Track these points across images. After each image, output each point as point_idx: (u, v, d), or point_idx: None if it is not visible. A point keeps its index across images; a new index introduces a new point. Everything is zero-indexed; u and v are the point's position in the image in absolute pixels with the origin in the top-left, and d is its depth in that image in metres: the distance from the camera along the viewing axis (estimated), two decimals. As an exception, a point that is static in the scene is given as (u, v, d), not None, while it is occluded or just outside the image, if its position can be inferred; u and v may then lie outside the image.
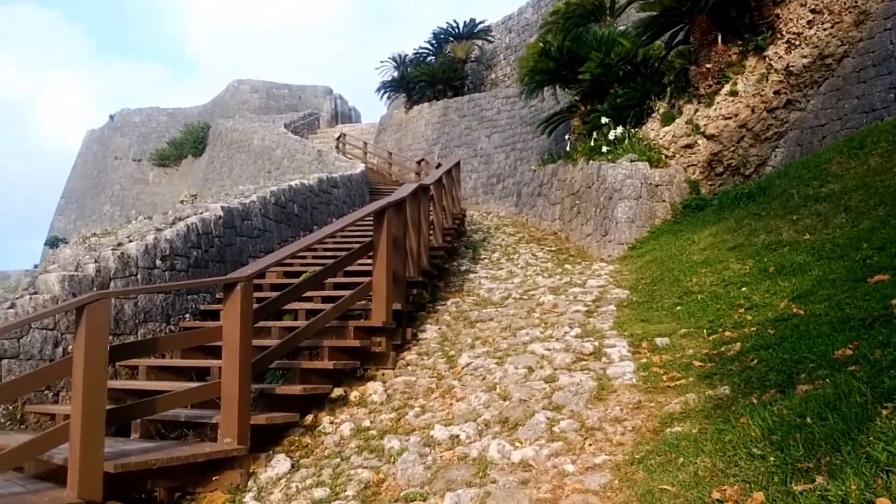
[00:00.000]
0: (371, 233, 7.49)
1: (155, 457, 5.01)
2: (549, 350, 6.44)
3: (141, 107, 44.51)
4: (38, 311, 6.82)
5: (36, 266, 36.82)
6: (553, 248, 12.65)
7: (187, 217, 8.78)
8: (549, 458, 4.54)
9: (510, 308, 8.24)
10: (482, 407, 5.58)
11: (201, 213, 8.99)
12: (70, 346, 7.00)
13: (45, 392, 6.96)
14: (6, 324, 6.55)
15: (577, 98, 15.36)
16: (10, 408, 6.67)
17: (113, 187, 42.38)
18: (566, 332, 6.87)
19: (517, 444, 4.84)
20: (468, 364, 6.57)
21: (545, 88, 16.59)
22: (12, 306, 6.88)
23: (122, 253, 7.61)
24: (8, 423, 6.72)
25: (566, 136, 16.00)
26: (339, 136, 27.14)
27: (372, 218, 7.15)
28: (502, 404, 5.51)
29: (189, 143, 38.56)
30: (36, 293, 7.06)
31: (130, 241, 7.91)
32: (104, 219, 40.38)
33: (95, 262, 7.45)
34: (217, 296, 8.81)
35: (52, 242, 38.10)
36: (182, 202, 33.64)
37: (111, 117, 45.06)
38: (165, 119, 43.10)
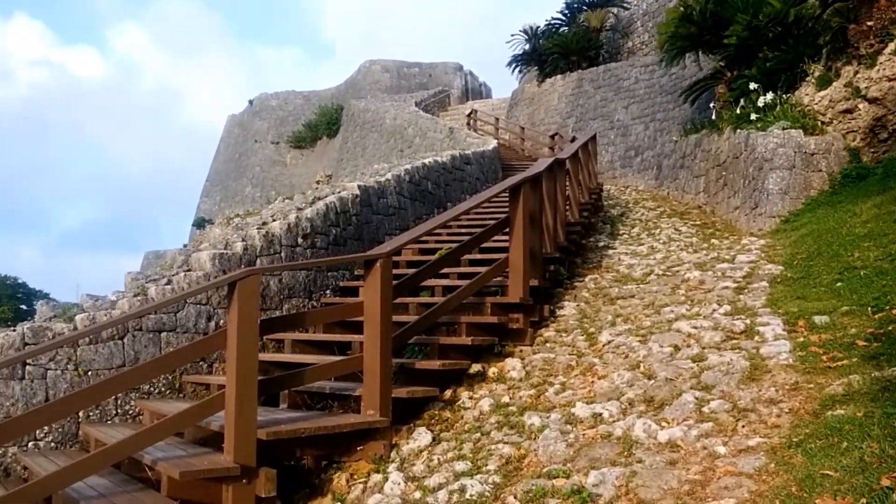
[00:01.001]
0: (506, 209, 7.42)
1: (304, 426, 5.19)
2: (695, 328, 6.17)
3: (278, 91, 46.21)
4: (193, 286, 7.20)
5: (185, 245, 39.13)
6: (697, 223, 12.15)
7: (326, 196, 9.01)
8: (698, 439, 4.36)
9: (653, 285, 7.98)
10: (625, 385, 5.43)
11: (339, 192, 9.21)
12: (221, 321, 7.36)
13: (200, 363, 7.36)
14: (165, 299, 6.96)
15: (721, 64, 14.63)
16: (170, 377, 7.09)
17: (253, 169, 44.30)
18: (714, 310, 6.57)
19: (664, 423, 4.67)
20: (609, 342, 6.41)
21: (687, 55, 15.90)
22: (168, 282, 7.29)
23: (266, 232, 7.90)
24: (168, 392, 7.15)
25: (710, 105, 15.28)
26: (470, 113, 27.16)
27: (508, 194, 7.07)
28: (647, 383, 5.34)
29: (323, 124, 39.74)
30: (190, 270, 7.45)
31: (274, 221, 8.20)
32: (246, 200, 42.37)
33: (243, 240, 7.77)
34: (356, 272, 9.02)
35: (199, 223, 40.39)
36: (317, 183, 34.79)
37: (250, 102, 47.04)
38: (301, 102, 44.56)
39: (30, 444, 6.49)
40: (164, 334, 7.10)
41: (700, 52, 15.53)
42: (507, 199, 7.31)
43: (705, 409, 4.70)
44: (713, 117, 14.36)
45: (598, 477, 4.18)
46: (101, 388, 5.02)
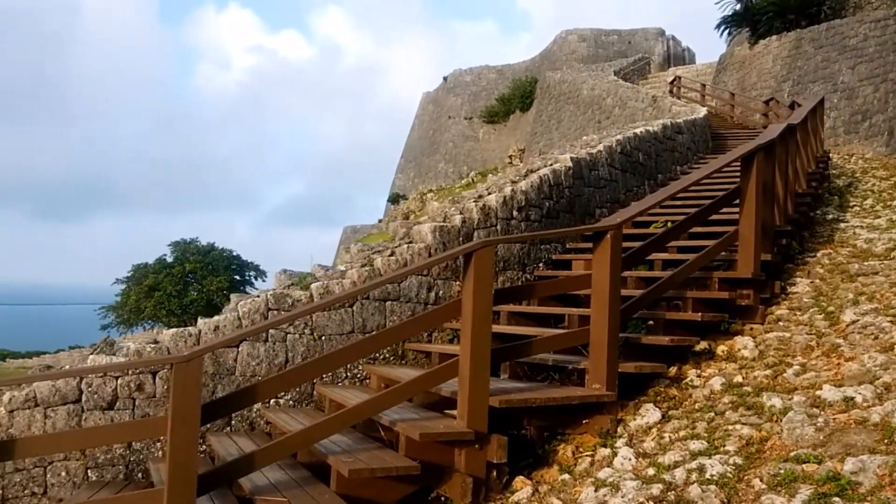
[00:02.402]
0: (730, 179, 7.06)
1: (533, 396, 5.25)
2: (957, 309, 5.58)
3: (472, 66, 46.80)
4: (414, 258, 7.47)
5: (379, 220, 40.62)
6: (940, 193, 10.97)
7: (539, 169, 9.01)
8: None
9: (897, 261, 7.29)
10: (878, 369, 5.01)
11: (551, 164, 9.17)
12: (440, 291, 7.59)
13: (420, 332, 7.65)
14: (392, 270, 7.28)
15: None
16: (395, 345, 7.42)
17: (446, 145, 45.26)
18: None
19: (930, 411, 4.26)
20: (854, 322, 5.93)
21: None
22: (392, 254, 7.61)
23: (483, 205, 8.03)
24: (392, 358, 7.50)
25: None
26: (673, 80, 26.05)
27: (739, 163, 6.70)
28: (905, 367, 4.89)
29: (517, 98, 39.78)
30: (412, 242, 7.74)
31: (490, 194, 8.31)
32: (439, 176, 43.46)
33: (461, 213, 7.95)
34: (567, 246, 8.97)
35: (394, 199, 41.96)
36: (510, 157, 34.95)
37: (444, 79, 48.00)
38: (494, 76, 44.86)
39: (272, 402, 7.06)
40: (388, 303, 7.44)
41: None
42: (733, 169, 6.95)
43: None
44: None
45: (857, 464, 3.90)
46: (345, 353, 5.34)
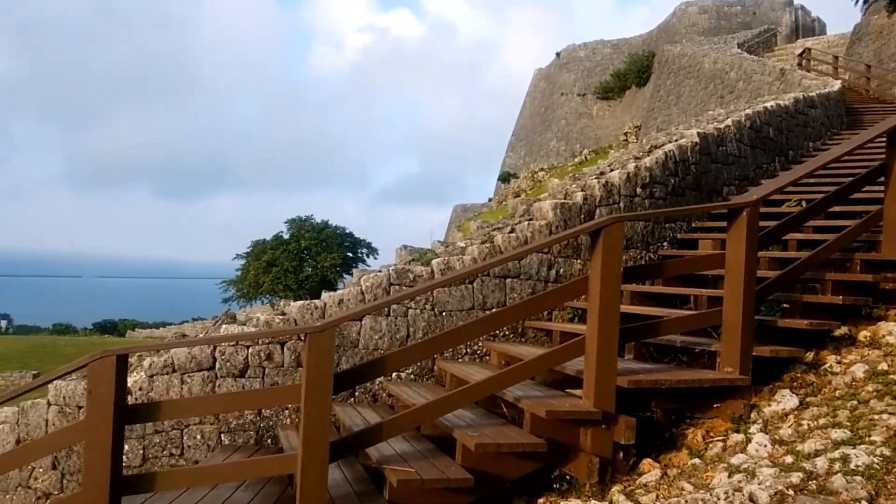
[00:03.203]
0: (868, 157, 6.61)
1: (663, 377, 5.12)
2: None
3: (586, 41, 45.88)
4: (535, 235, 7.40)
5: (490, 199, 40.54)
6: None
7: (663, 145, 8.73)
8: None
9: None
10: None
11: (677, 139, 8.87)
12: (561, 269, 7.50)
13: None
14: (512, 247, 7.24)
15: None
16: (515, 322, 7.39)
17: (558, 123, 44.65)
18: None
19: None
20: None
21: None
22: (512, 231, 7.57)
23: (605, 181, 7.86)
24: (511, 335, 7.48)
25: None
26: (802, 52, 24.67)
27: (885, 138, 6.26)
28: None
29: (633, 73, 38.76)
30: (532, 219, 7.67)
31: (612, 171, 8.13)
32: (550, 154, 42.98)
33: (582, 190, 7.82)
34: (693, 224, 8.68)
35: (504, 177, 41.81)
36: (625, 134, 34.14)
37: (557, 55, 47.29)
38: (609, 51, 43.85)
39: (393, 375, 7.19)
40: (508, 280, 7.42)
41: None
42: (874, 146, 6.51)
43: None
44: None
45: None
46: (469, 329, 5.35)
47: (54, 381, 6.86)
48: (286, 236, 38.21)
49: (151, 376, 6.96)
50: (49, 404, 7.27)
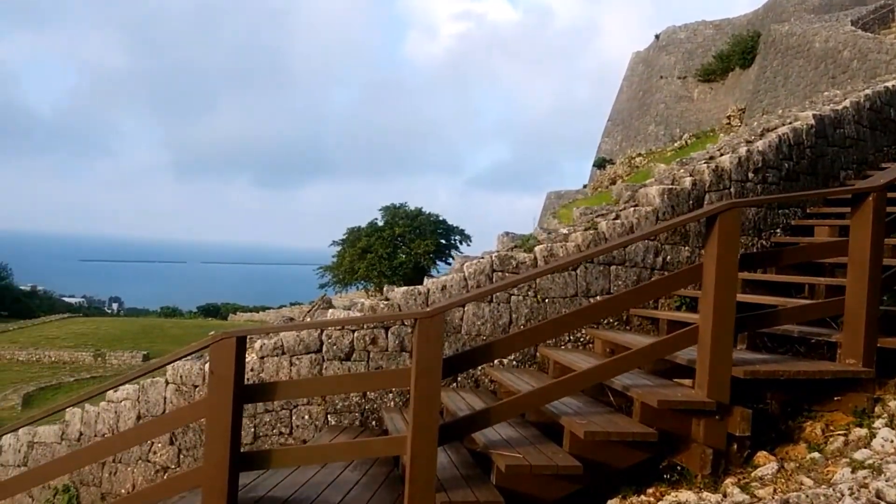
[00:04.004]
0: None
1: (781, 368, 4.94)
2: None
3: (687, 22, 44.50)
4: (640, 222, 7.25)
5: (584, 186, 39.92)
6: None
7: (776, 128, 8.39)
8: None
9: None
10: None
11: (791, 122, 8.50)
12: (668, 256, 7.32)
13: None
14: (617, 233, 7.11)
15: None
16: (620, 311, 7.26)
17: (657, 107, 43.51)
18: None
19: None
20: None
21: None
22: (617, 217, 7.44)
23: (715, 166, 7.62)
24: (616, 323, 7.36)
25: None
26: (922, 29, 23.23)
27: None
28: None
29: (736, 54, 37.35)
30: (637, 206, 7.52)
31: (722, 155, 7.87)
32: (648, 139, 41.96)
33: (690, 175, 7.60)
34: (808, 211, 8.31)
35: (600, 163, 41.09)
36: (728, 118, 32.97)
37: (656, 37, 46.03)
38: (711, 32, 42.40)
39: (496, 361, 7.19)
40: (613, 267, 7.29)
41: None
42: None
43: None
44: None
45: None
46: (576, 317, 5.29)
47: (173, 362, 7.18)
48: (381, 223, 38.79)
49: (262, 358, 7.20)
50: (167, 383, 7.62)
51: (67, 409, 8.37)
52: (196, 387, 7.45)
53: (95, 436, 8.11)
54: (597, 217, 7.55)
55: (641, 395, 4.89)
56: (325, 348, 7.15)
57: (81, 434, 8.29)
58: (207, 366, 7.27)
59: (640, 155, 36.95)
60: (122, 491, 7.79)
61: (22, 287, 71.63)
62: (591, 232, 7.26)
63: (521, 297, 7.20)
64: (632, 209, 7.39)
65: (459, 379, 7.18)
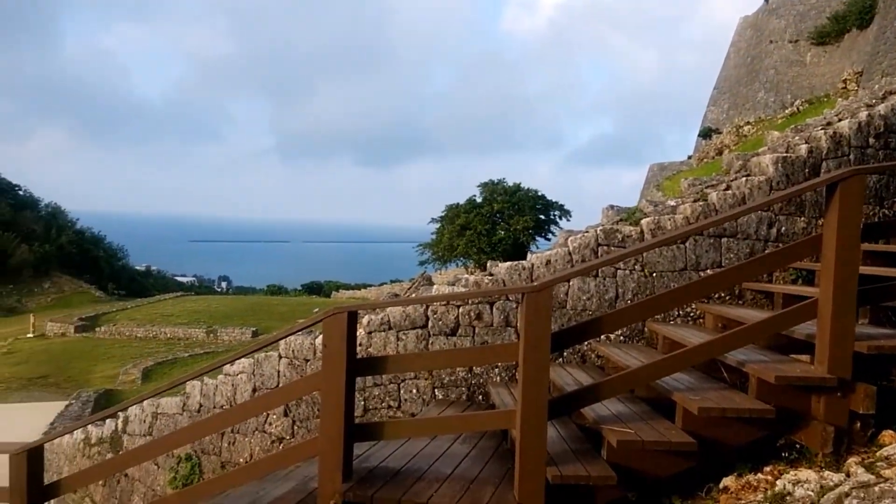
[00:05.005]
0: None
1: (908, 344, 4.69)
2: None
3: (798, -16, 42.26)
4: (753, 192, 7.00)
5: (689, 157, 38.74)
6: None
7: (900, 89, 7.91)
8: None
9: None
10: None
11: (916, 83, 7.99)
12: (783, 228, 7.04)
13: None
14: (728, 204, 6.89)
15: None
16: (733, 285, 7.03)
17: (766, 73, 41.62)
18: None
19: None
20: None
21: None
22: (727, 188, 7.20)
23: (833, 132, 7.25)
24: (727, 297, 7.15)
25: None
26: None
27: None
28: None
29: (853, 14, 35.28)
30: (749, 175, 7.25)
31: (841, 121, 7.48)
32: (757, 107, 40.25)
33: (806, 142, 7.27)
34: (935, 176, 7.80)
35: (705, 133, 39.73)
36: (844, 82, 31.24)
37: (766, 0, 43.99)
38: (825, -8, 40.18)
39: (602, 336, 7.12)
40: (724, 240, 7.07)
41: None
42: None
43: None
44: None
45: None
46: (686, 291, 5.16)
47: (286, 337, 7.44)
48: (479, 200, 38.82)
49: (370, 333, 7.37)
50: (280, 357, 7.91)
51: (187, 382, 8.83)
52: (307, 361, 7.70)
53: (214, 407, 8.51)
54: (706, 188, 7.33)
55: (758, 370, 4.75)
56: (430, 324, 7.25)
57: (201, 406, 8.72)
58: (318, 340, 7.51)
59: (748, 123, 35.56)
60: (241, 460, 8.16)
61: (137, 267, 75.78)
62: (701, 203, 7.06)
63: (627, 272, 7.08)
64: (743, 179, 7.13)
65: (566, 354, 7.15)
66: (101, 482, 10.37)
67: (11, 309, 49.41)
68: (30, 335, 34.11)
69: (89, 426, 11.02)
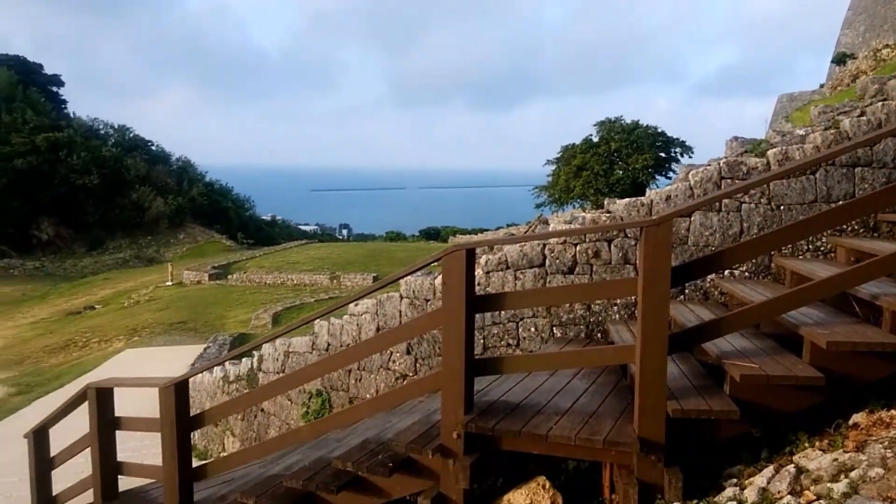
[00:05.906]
0: None
1: None
2: None
3: None
4: (891, 117, 6.57)
5: (821, 85, 36.33)
6: None
7: None
8: None
9: None
10: None
11: None
12: (924, 154, 6.58)
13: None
14: (862, 131, 6.50)
15: None
16: (866, 216, 6.67)
17: (909, -11, 38.32)
18: None
19: None
20: None
21: None
22: (862, 114, 6.82)
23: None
24: (861, 230, 6.81)
25: None
26: None
27: None
28: None
29: None
30: (885, 100, 6.84)
31: None
32: (897, 27, 37.23)
33: (953, 60, 6.72)
34: None
35: (839, 59, 37.13)
36: None
37: None
38: None
39: (725, 273, 6.94)
40: (857, 169, 6.70)
41: None
42: None
43: None
44: None
45: None
46: (814, 222, 4.94)
47: (406, 277, 7.65)
48: (595, 139, 38.04)
49: (488, 272, 7.47)
50: (401, 297, 8.15)
51: (315, 322, 9.25)
52: (427, 300, 7.90)
53: (340, 346, 8.90)
54: (838, 115, 6.93)
55: (892, 303, 4.53)
56: (547, 262, 7.26)
57: (329, 344, 9.14)
58: (438, 280, 7.69)
59: (887, 46, 32.98)
60: (367, 395, 8.54)
61: (263, 217, 79.08)
62: (832, 132, 6.69)
63: (752, 205, 6.84)
64: (880, 104, 6.69)
65: (687, 291, 7.03)
66: (240, 417, 11.10)
67: (151, 259, 52.96)
68: (168, 283, 36.45)
69: (227, 364, 11.77)
